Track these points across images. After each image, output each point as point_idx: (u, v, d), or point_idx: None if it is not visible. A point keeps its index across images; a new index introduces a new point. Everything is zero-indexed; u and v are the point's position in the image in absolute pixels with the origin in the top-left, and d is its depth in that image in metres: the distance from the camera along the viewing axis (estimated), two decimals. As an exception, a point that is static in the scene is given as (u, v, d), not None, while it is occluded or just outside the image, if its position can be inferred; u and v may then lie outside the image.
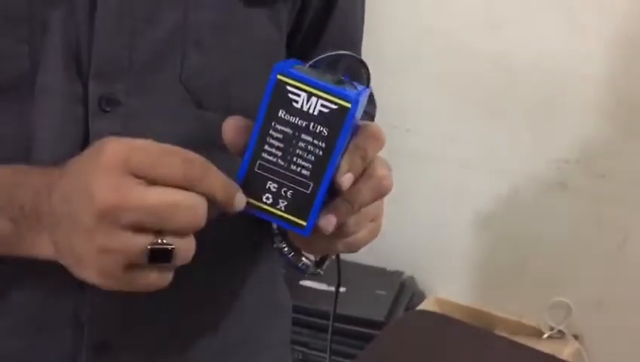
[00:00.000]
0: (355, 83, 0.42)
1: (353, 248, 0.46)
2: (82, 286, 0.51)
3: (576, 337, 1.63)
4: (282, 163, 0.41)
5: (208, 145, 0.53)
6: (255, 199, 0.42)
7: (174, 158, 0.39)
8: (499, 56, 1.59)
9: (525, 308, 1.66)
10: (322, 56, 0.42)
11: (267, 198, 0.41)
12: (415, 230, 1.69)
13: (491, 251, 1.72)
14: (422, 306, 1.68)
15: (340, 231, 0.43)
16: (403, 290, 1.70)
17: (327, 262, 0.50)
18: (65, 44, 0.47)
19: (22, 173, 0.44)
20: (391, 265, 1.72)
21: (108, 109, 0.49)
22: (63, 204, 0.40)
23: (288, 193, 0.41)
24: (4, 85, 0.47)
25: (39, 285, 0.51)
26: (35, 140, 0.48)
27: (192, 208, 0.39)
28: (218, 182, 0.39)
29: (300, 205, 0.41)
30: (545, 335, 1.63)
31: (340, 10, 0.60)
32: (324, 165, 0.41)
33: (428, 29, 1.64)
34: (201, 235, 0.55)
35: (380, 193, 0.43)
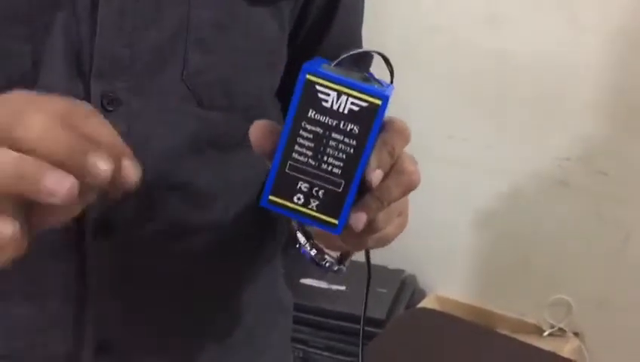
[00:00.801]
0: (379, 80, 0.42)
1: (382, 243, 0.46)
2: (85, 287, 0.51)
3: (576, 335, 1.63)
4: (313, 162, 0.41)
5: (211, 143, 0.53)
6: (286, 200, 0.41)
7: (55, 99, 0.35)
8: (500, 54, 1.59)
9: (526, 306, 1.66)
10: (347, 54, 0.42)
11: (298, 199, 0.41)
12: (416, 228, 1.68)
13: (492, 249, 1.72)
14: (422, 304, 1.68)
15: (370, 227, 0.43)
16: (404, 288, 1.70)
17: (349, 259, 0.50)
18: (67, 44, 0.47)
19: None
20: (392, 264, 1.72)
21: (110, 108, 0.49)
22: None
23: (320, 192, 0.41)
24: (8, 84, 0.46)
25: (41, 286, 0.51)
26: None
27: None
28: (104, 129, 0.35)
29: (332, 204, 0.41)
30: (545, 333, 1.63)
31: (344, 7, 0.60)
32: (356, 163, 0.41)
33: (429, 28, 1.63)
34: (202, 236, 0.55)
35: (409, 188, 0.43)
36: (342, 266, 0.49)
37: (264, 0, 0.53)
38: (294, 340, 1.49)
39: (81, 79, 0.48)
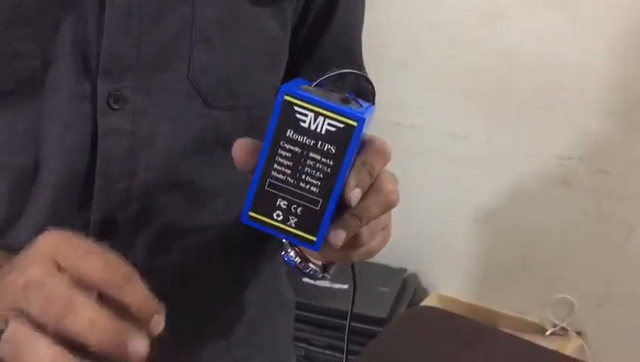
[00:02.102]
0: (359, 100, 0.44)
1: (366, 257, 0.47)
2: None
3: (579, 334, 1.63)
4: (292, 181, 0.42)
5: (215, 142, 0.53)
6: (266, 216, 0.43)
7: (97, 259, 0.37)
8: (500, 51, 1.59)
9: (528, 305, 1.66)
10: (327, 75, 0.43)
11: (277, 215, 0.43)
12: (418, 227, 1.69)
13: (494, 248, 1.72)
14: (424, 303, 1.68)
15: (352, 243, 0.44)
16: (406, 287, 1.70)
17: (334, 267, 0.50)
18: (75, 44, 0.48)
19: None
20: (394, 263, 1.72)
21: (116, 107, 0.49)
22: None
23: (298, 210, 0.42)
24: (17, 84, 0.47)
25: None
26: (44, 138, 0.48)
27: (88, 315, 0.35)
28: (138, 292, 0.37)
29: (310, 221, 0.43)
30: (548, 332, 1.63)
31: (343, 6, 0.61)
32: (333, 182, 0.42)
33: (429, 25, 1.63)
34: (204, 235, 0.55)
35: (388, 207, 0.44)
36: (326, 274, 0.50)
37: (268, 0, 0.53)
38: (297, 339, 1.49)
39: (87, 78, 0.48)
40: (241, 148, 0.42)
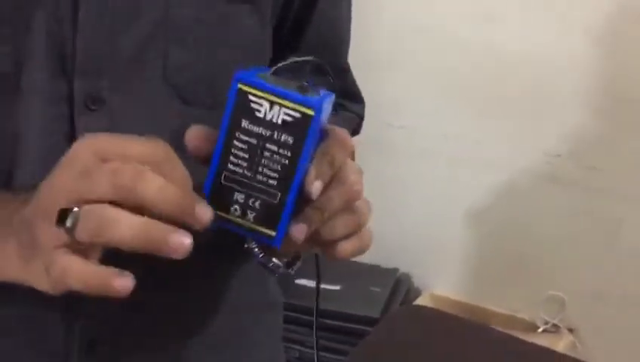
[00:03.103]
0: (319, 88, 0.42)
1: (337, 257, 0.45)
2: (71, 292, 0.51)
3: (570, 331, 1.64)
4: (248, 173, 0.40)
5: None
6: (223, 211, 0.41)
7: (137, 141, 0.38)
8: (488, 51, 1.59)
9: (520, 303, 1.67)
10: (284, 62, 0.41)
11: (235, 210, 0.41)
12: (409, 227, 1.69)
13: (485, 246, 1.72)
14: (417, 303, 1.68)
15: (314, 238, 0.42)
16: (398, 287, 1.70)
17: (298, 263, 0.49)
18: (49, 43, 0.47)
19: (5, 199, 0.44)
20: (386, 262, 1.72)
21: (94, 108, 0.49)
22: (34, 201, 0.40)
23: (256, 204, 0.41)
24: None
25: (27, 295, 0.51)
26: (21, 140, 0.48)
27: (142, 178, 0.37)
28: (180, 169, 0.38)
29: (269, 215, 0.41)
30: (539, 330, 1.63)
31: (325, 2, 0.60)
32: (291, 174, 0.40)
33: (417, 26, 1.64)
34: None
35: (352, 198, 0.43)
36: (290, 270, 0.49)
37: None
38: (291, 340, 1.49)
39: (64, 79, 0.48)
40: (194, 136, 0.41)
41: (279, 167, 0.40)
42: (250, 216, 0.41)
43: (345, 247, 0.44)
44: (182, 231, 0.36)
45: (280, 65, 0.41)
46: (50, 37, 0.47)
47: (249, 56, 0.55)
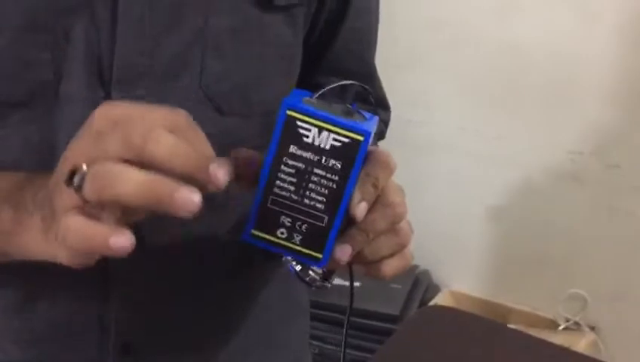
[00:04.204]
0: (362, 112, 0.42)
1: (379, 276, 0.45)
2: (107, 290, 0.52)
3: (592, 328, 1.62)
4: (295, 197, 0.41)
5: (229, 150, 0.54)
6: (269, 234, 0.42)
7: (156, 109, 0.38)
8: (510, 46, 1.58)
9: (540, 301, 1.66)
10: (328, 87, 0.42)
11: (282, 233, 0.41)
12: (429, 223, 1.69)
13: (505, 243, 1.71)
14: (436, 300, 1.68)
15: (358, 259, 0.43)
16: (417, 284, 1.70)
17: (334, 276, 0.50)
18: (87, 53, 0.48)
19: (31, 176, 0.45)
20: (405, 259, 1.71)
21: None
22: (54, 176, 0.40)
23: (303, 227, 0.41)
24: (29, 94, 0.47)
25: (64, 291, 0.52)
26: (58, 148, 0.49)
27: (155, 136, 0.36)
28: (200, 135, 0.38)
29: (315, 238, 0.41)
30: (560, 327, 1.62)
31: (354, 12, 0.60)
32: (339, 198, 0.41)
33: (438, 20, 1.63)
34: (220, 238, 0.55)
35: (395, 220, 0.44)
36: (326, 283, 0.49)
37: (278, 6, 0.53)
38: (311, 337, 1.49)
39: (101, 88, 0.48)
40: (239, 158, 0.41)
41: (327, 191, 0.41)
42: (297, 238, 0.41)
43: (389, 267, 0.44)
44: (190, 187, 0.35)
45: (325, 89, 0.42)
46: (89, 47, 0.47)
47: (282, 66, 0.56)
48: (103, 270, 0.51)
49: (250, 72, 0.53)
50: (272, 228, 0.41)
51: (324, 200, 0.41)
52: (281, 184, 0.41)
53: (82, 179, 0.35)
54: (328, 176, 0.40)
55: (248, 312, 0.60)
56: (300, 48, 0.57)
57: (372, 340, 1.43)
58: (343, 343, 0.53)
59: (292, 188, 0.41)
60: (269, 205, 0.41)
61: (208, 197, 0.54)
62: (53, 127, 0.48)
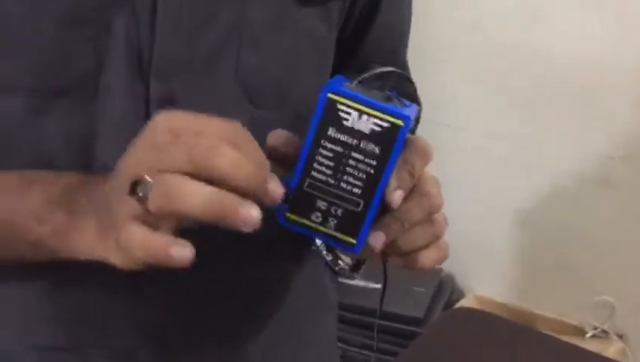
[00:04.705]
0: (402, 99, 0.42)
1: (417, 267, 0.45)
2: (139, 279, 0.52)
3: (620, 337, 1.60)
4: (332, 181, 0.41)
5: (262, 142, 0.54)
6: (304, 217, 0.41)
7: (214, 121, 0.39)
8: (540, 51, 1.56)
9: (567, 307, 1.64)
10: (369, 72, 0.42)
11: (317, 217, 0.41)
12: (455, 227, 1.66)
13: (532, 249, 1.69)
14: (461, 304, 1.67)
15: (391, 248, 0.42)
16: (442, 288, 1.69)
17: (363, 267, 0.49)
18: (128, 45, 0.48)
19: (84, 179, 0.46)
20: (430, 263, 1.70)
21: (168, 107, 0.50)
22: (111, 178, 0.41)
23: (338, 211, 0.41)
24: (71, 85, 0.48)
25: (96, 278, 0.52)
26: (98, 138, 0.49)
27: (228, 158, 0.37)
28: (256, 148, 0.39)
29: (350, 223, 0.41)
30: (588, 335, 1.60)
31: (387, 6, 0.61)
32: (376, 183, 0.40)
33: (468, 25, 1.62)
34: (251, 234, 0.55)
35: (431, 210, 0.43)
36: (355, 274, 0.49)
37: (314, 0, 0.53)
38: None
39: (140, 79, 0.49)
40: (276, 139, 0.42)
41: (364, 176, 0.40)
42: (332, 223, 0.41)
43: (426, 258, 0.44)
44: (251, 203, 0.36)
45: (365, 75, 0.41)
46: (129, 40, 0.48)
47: (315, 60, 0.56)
48: None
49: (284, 65, 0.53)
50: (307, 211, 0.41)
51: (361, 185, 0.40)
52: (319, 167, 0.40)
53: (147, 191, 0.36)
54: (366, 160, 0.40)
55: (278, 308, 0.60)
56: (334, 43, 0.57)
57: (395, 343, 1.42)
58: (374, 344, 0.52)
59: (329, 171, 0.40)
60: (305, 188, 0.41)
61: None
62: (92, 118, 0.49)
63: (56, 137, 0.49)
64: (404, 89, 0.45)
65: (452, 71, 1.66)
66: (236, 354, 0.59)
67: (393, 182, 0.40)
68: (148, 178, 0.37)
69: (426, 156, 0.43)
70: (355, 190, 0.40)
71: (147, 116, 0.49)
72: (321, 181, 0.41)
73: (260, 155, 0.38)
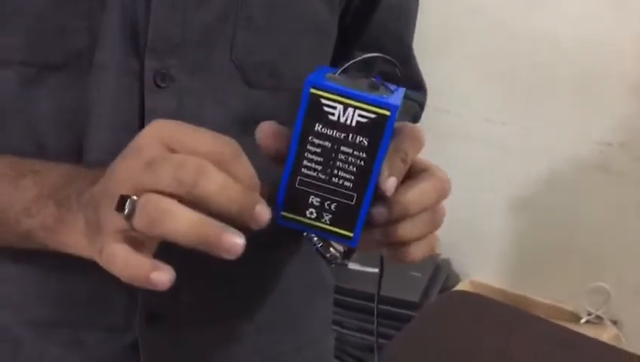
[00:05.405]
0: (388, 85, 0.41)
1: (407, 260, 0.44)
2: None
3: (614, 323, 1.61)
4: (323, 176, 0.40)
5: (258, 123, 0.54)
6: (298, 214, 0.41)
7: (207, 135, 0.38)
8: (540, 36, 1.56)
9: (563, 293, 1.64)
10: (350, 62, 0.41)
11: (311, 213, 0.41)
12: (451, 212, 1.66)
13: (529, 235, 1.70)
14: (457, 288, 1.67)
15: (389, 236, 0.42)
16: (438, 272, 1.69)
17: (354, 254, 0.49)
18: (123, 21, 0.48)
19: (75, 173, 0.46)
20: (426, 247, 1.71)
21: (163, 85, 0.49)
22: (102, 182, 0.41)
23: (332, 206, 0.41)
24: (65, 60, 0.48)
25: (94, 264, 0.52)
26: (92, 113, 0.49)
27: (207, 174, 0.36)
28: (247, 167, 0.38)
29: (345, 217, 0.41)
30: (582, 321, 1.61)
31: None
32: (367, 175, 0.40)
33: (469, 9, 1.61)
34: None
35: (442, 195, 0.43)
36: (346, 261, 0.49)
37: None
38: (329, 321, 1.50)
39: (136, 56, 0.49)
40: (265, 132, 0.41)
41: (355, 169, 0.40)
42: (326, 218, 0.41)
43: (417, 250, 0.44)
44: (236, 231, 0.36)
45: (348, 63, 0.41)
46: (124, 15, 0.48)
47: (314, 42, 0.55)
48: None
49: (281, 46, 0.53)
50: (301, 208, 0.41)
51: (353, 178, 0.40)
52: (308, 163, 0.40)
53: (133, 209, 0.36)
54: (355, 153, 0.40)
55: (272, 290, 0.60)
56: (336, 26, 0.57)
57: (391, 326, 1.43)
58: (375, 329, 0.52)
59: (319, 167, 0.40)
60: (296, 186, 0.41)
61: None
62: (86, 93, 0.49)
63: (49, 112, 0.49)
64: (389, 73, 0.44)
65: (452, 56, 1.66)
66: (230, 333, 0.59)
67: (386, 169, 0.40)
68: (134, 197, 0.36)
69: (418, 141, 0.42)
70: (347, 183, 0.40)
71: (141, 94, 0.49)
72: (311, 177, 0.40)
73: (250, 176, 0.38)
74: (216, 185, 0.36)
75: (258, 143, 0.41)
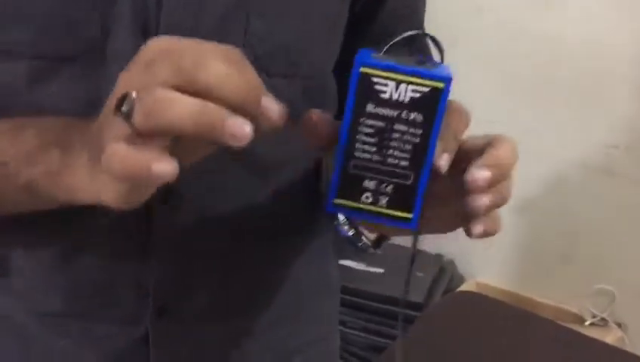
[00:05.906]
0: (433, 61, 0.40)
1: (480, 233, 0.44)
2: (146, 254, 0.52)
3: (619, 325, 1.60)
4: (378, 158, 0.39)
5: None
6: (354, 200, 0.40)
7: (208, 43, 0.37)
8: (547, 37, 1.55)
9: (567, 295, 1.64)
10: (395, 39, 0.40)
11: (367, 197, 0.40)
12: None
13: (534, 237, 1.69)
14: (462, 289, 1.67)
15: (464, 202, 0.41)
16: (442, 273, 1.69)
17: (385, 242, 0.49)
18: (134, 12, 0.48)
19: (81, 121, 0.44)
20: (430, 248, 1.71)
21: None
22: (104, 111, 0.40)
23: (389, 188, 0.39)
24: (76, 52, 0.48)
25: (105, 251, 0.52)
26: (104, 104, 0.49)
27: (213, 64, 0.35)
28: (251, 71, 0.36)
29: (403, 198, 0.40)
30: (587, 323, 1.60)
31: None
32: (424, 152, 0.39)
33: (476, 8, 1.61)
34: (260, 206, 0.55)
35: (512, 164, 0.42)
36: (377, 249, 0.48)
37: None
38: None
39: None
40: (312, 121, 0.40)
41: (410, 147, 0.39)
42: (383, 201, 0.40)
43: (485, 224, 0.44)
44: (240, 116, 0.34)
45: (392, 42, 0.40)
46: (136, 6, 0.47)
47: (328, 29, 0.55)
48: (144, 232, 0.51)
49: (294, 32, 0.52)
50: (356, 193, 0.40)
51: (408, 156, 0.39)
52: (362, 146, 0.39)
53: (131, 106, 0.34)
54: (410, 130, 0.38)
55: (281, 289, 0.60)
56: (346, 14, 0.56)
57: (395, 327, 1.43)
58: (399, 329, 0.52)
59: (373, 148, 0.39)
60: (350, 170, 0.39)
61: (251, 168, 0.54)
62: (99, 84, 0.48)
63: (64, 103, 0.48)
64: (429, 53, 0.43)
65: (456, 55, 1.65)
66: (242, 329, 0.59)
67: (439, 146, 0.39)
68: (133, 94, 0.35)
69: (466, 117, 0.41)
70: (403, 163, 0.39)
71: None
72: (366, 160, 0.39)
73: (254, 75, 0.36)
74: (218, 73, 0.34)
75: (305, 133, 0.40)
